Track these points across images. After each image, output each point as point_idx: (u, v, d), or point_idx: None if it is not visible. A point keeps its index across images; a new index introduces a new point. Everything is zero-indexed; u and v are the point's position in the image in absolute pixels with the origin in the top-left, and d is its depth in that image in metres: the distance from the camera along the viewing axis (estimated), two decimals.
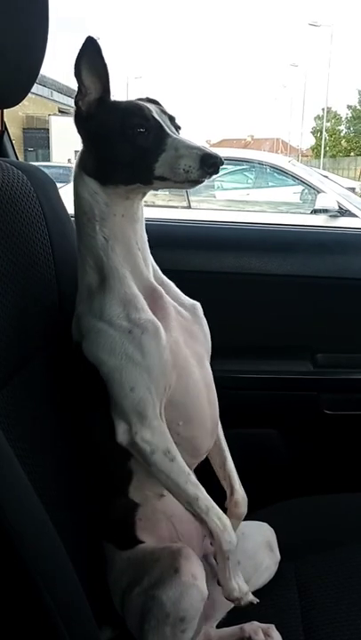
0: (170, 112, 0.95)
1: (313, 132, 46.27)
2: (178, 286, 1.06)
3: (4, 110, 1.15)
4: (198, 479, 0.94)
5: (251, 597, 0.96)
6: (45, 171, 1.17)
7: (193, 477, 0.93)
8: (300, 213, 5.85)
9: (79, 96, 0.92)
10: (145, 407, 0.90)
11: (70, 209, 1.16)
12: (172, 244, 1.48)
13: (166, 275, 1.05)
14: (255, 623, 1.03)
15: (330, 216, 5.39)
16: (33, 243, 1.02)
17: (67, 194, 1.07)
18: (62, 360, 1.05)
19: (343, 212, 5.40)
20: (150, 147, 0.88)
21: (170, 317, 0.98)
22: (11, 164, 1.05)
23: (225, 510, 1.00)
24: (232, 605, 1.01)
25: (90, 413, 0.99)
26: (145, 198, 0.99)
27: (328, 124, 41.33)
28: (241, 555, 1.00)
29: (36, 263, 1.02)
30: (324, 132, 39.18)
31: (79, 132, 0.95)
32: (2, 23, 0.88)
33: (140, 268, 0.97)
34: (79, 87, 0.91)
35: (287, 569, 1.06)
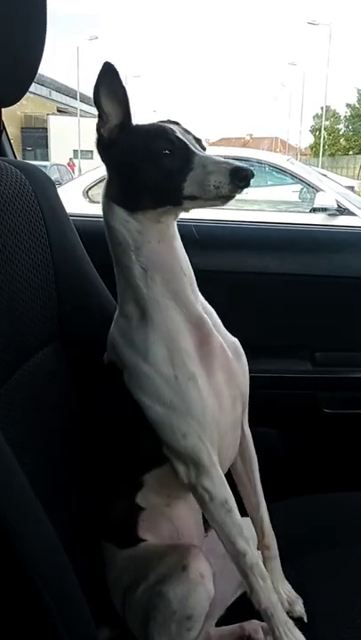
0: (194, 133, 0.92)
1: (312, 131, 46.35)
2: None
3: (3, 109, 1.15)
4: None
5: None
6: None
7: (246, 531, 0.92)
8: (299, 212, 5.84)
9: (100, 123, 0.90)
10: (200, 455, 0.89)
11: (70, 209, 1.16)
12: None
13: None
14: (255, 621, 1.02)
15: (329, 215, 5.37)
16: (31, 241, 1.02)
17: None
18: (61, 359, 1.05)
19: (342, 210, 5.38)
20: (177, 167, 0.86)
21: (214, 354, 0.94)
22: (9, 163, 1.05)
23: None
24: (230, 603, 1.02)
25: (114, 430, 0.97)
26: None
27: (327, 123, 41.33)
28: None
29: (34, 262, 1.02)
30: (322, 131, 39.17)
31: (103, 160, 0.93)
32: (0, 22, 0.88)
33: (187, 295, 0.94)
34: (99, 114, 0.89)
35: (287, 568, 1.06)
